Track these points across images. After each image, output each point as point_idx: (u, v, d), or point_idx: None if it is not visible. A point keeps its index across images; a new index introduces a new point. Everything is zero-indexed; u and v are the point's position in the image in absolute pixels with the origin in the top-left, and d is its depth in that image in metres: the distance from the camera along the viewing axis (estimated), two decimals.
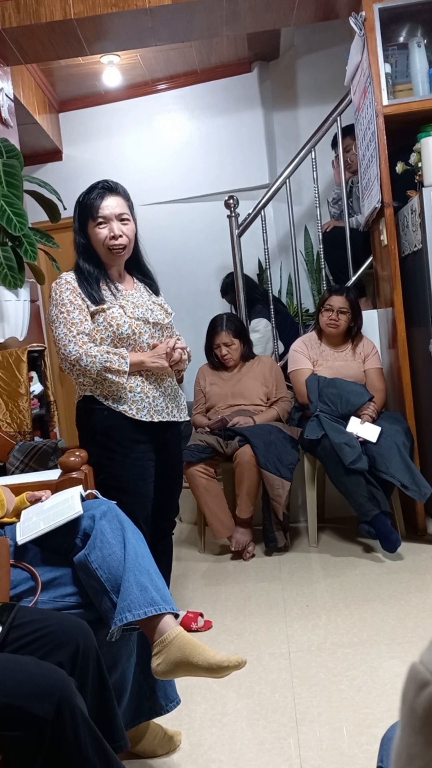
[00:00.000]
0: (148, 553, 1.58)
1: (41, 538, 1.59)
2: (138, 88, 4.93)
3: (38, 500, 1.79)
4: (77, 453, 2.16)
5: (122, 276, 2.27)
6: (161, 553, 2.35)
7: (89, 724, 1.24)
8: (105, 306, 2.13)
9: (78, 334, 2.09)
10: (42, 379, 3.13)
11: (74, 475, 2.08)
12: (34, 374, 3.03)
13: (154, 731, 1.73)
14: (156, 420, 2.17)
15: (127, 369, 2.10)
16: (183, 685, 1.80)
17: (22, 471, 2.51)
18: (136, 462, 2.15)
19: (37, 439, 2.91)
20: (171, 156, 4.91)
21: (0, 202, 2.69)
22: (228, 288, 4.11)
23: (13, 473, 2.50)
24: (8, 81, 3.54)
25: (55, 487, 2.01)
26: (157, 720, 1.73)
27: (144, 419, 2.15)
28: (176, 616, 1.52)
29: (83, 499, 1.71)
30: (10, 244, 2.79)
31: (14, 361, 2.85)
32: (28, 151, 4.13)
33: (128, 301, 2.19)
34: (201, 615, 2.44)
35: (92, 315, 2.13)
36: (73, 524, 1.59)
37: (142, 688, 1.66)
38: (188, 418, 2.36)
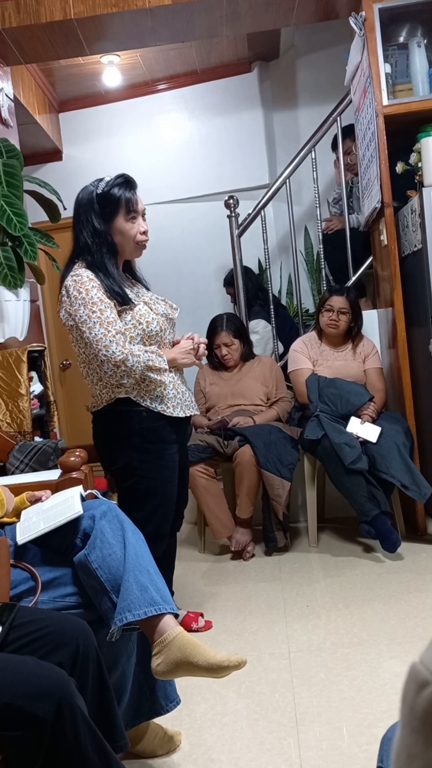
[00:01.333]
0: (148, 553, 1.58)
1: (41, 538, 1.59)
2: (138, 88, 4.93)
3: (38, 500, 1.79)
4: (77, 453, 2.16)
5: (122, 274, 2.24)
6: (166, 550, 2.35)
7: (89, 724, 1.24)
8: (132, 304, 2.07)
9: (117, 333, 1.99)
10: (42, 379, 3.14)
11: (74, 475, 2.09)
12: (34, 374, 3.04)
13: (154, 731, 1.73)
14: (188, 414, 2.16)
15: (166, 366, 2.07)
16: (183, 685, 1.80)
17: (22, 471, 2.51)
18: (169, 463, 2.13)
19: (37, 439, 2.91)
20: (171, 156, 4.91)
21: (0, 202, 2.69)
22: (232, 279, 4.11)
23: (13, 473, 2.50)
24: (8, 81, 3.54)
25: (55, 487, 2.01)
26: (157, 720, 1.73)
27: (180, 415, 2.13)
28: (176, 616, 1.52)
29: (83, 499, 1.71)
30: (10, 244, 2.79)
31: (14, 361, 2.85)
32: (28, 151, 4.13)
33: (146, 297, 2.16)
34: (201, 615, 2.44)
35: (119, 313, 2.05)
36: (73, 524, 1.59)
37: (142, 688, 1.66)
38: (198, 413, 2.36)
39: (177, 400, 2.13)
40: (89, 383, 2.13)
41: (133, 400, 2.08)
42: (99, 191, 2.09)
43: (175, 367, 2.14)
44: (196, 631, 2.37)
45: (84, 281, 2.03)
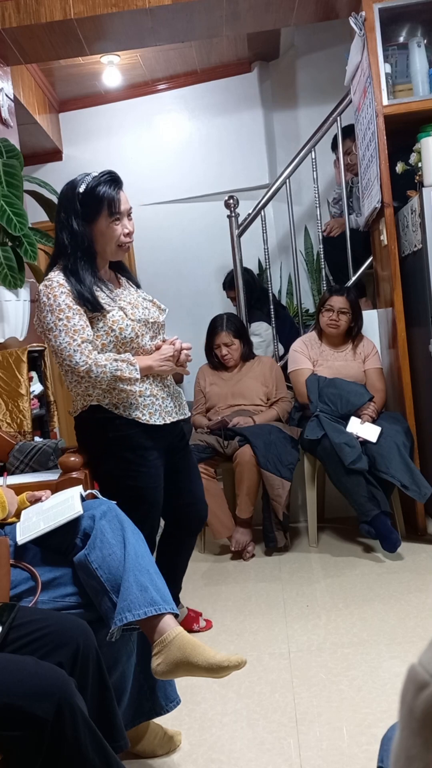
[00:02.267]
0: (148, 553, 1.58)
1: (41, 538, 1.59)
2: (138, 88, 4.93)
3: (38, 500, 1.79)
4: (77, 453, 2.16)
5: (108, 274, 2.14)
6: (185, 550, 2.34)
7: (89, 724, 1.24)
8: (104, 311, 1.98)
9: (83, 342, 1.92)
10: (42, 379, 3.13)
11: (74, 475, 2.08)
12: (34, 374, 3.03)
13: (154, 731, 1.73)
14: (168, 422, 2.08)
15: (138, 376, 1.98)
16: (183, 685, 1.80)
17: (22, 471, 2.51)
18: (150, 470, 2.07)
19: (37, 439, 2.91)
20: (171, 156, 4.91)
21: (0, 202, 2.69)
22: (232, 282, 4.10)
23: (13, 473, 2.50)
24: (8, 81, 3.54)
25: (55, 487, 2.01)
26: (157, 720, 1.73)
27: (158, 423, 2.05)
28: (176, 616, 1.52)
29: (83, 499, 1.71)
30: (10, 244, 2.79)
31: (14, 361, 2.85)
32: (28, 151, 4.13)
33: (125, 301, 2.06)
34: (200, 615, 2.44)
35: (91, 320, 1.98)
36: (73, 524, 1.59)
37: (142, 688, 1.66)
38: (189, 414, 2.30)
39: (155, 406, 2.05)
40: (68, 388, 2.07)
41: (104, 408, 2.01)
42: (81, 190, 2.00)
43: (151, 374, 2.05)
44: (198, 631, 2.36)
45: (54, 287, 1.96)
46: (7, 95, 3.47)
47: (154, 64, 4.64)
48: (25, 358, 2.85)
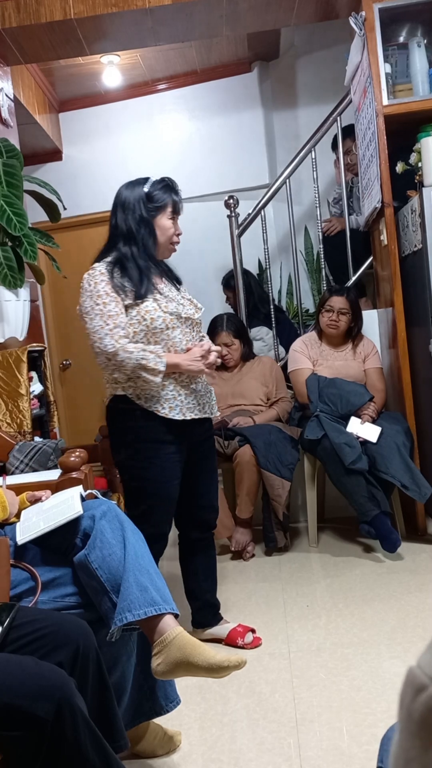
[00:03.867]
0: (148, 553, 1.58)
1: (41, 538, 1.59)
2: (138, 88, 4.93)
3: (38, 500, 1.79)
4: (77, 453, 2.16)
5: (155, 269, 2.25)
6: (200, 549, 2.34)
7: (89, 724, 1.24)
8: (140, 300, 2.09)
9: (114, 327, 2.03)
10: (42, 379, 3.13)
11: (74, 475, 2.08)
12: (34, 374, 3.04)
13: (154, 731, 1.73)
14: (188, 418, 2.14)
15: (163, 369, 2.04)
16: (183, 685, 1.80)
17: (22, 471, 2.51)
18: (164, 463, 2.12)
19: (37, 439, 2.91)
20: (171, 156, 4.91)
21: (0, 202, 2.69)
22: (231, 281, 4.11)
23: (13, 473, 2.50)
24: (8, 81, 3.54)
25: (55, 487, 2.01)
26: (157, 720, 1.73)
27: (176, 418, 2.11)
28: (176, 616, 1.52)
29: (83, 499, 1.71)
30: (10, 244, 2.79)
31: (14, 361, 2.85)
32: (28, 151, 4.13)
33: (162, 294, 2.15)
34: (252, 630, 2.32)
35: (126, 308, 2.09)
36: (73, 524, 1.59)
37: (142, 688, 1.66)
38: (218, 413, 2.34)
39: (176, 401, 2.11)
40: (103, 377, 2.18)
41: (128, 398, 2.10)
42: (146, 189, 2.18)
43: (178, 372, 2.12)
44: (242, 647, 2.26)
45: (96, 275, 2.10)
46: (7, 95, 3.47)
47: (154, 64, 4.63)
48: (25, 358, 2.85)
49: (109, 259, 2.15)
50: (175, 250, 2.25)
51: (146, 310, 2.08)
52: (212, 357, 2.17)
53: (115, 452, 2.19)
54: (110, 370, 2.07)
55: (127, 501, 2.20)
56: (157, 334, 2.10)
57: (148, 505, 2.12)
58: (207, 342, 2.23)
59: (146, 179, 2.21)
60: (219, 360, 2.24)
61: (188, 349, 2.17)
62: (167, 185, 2.20)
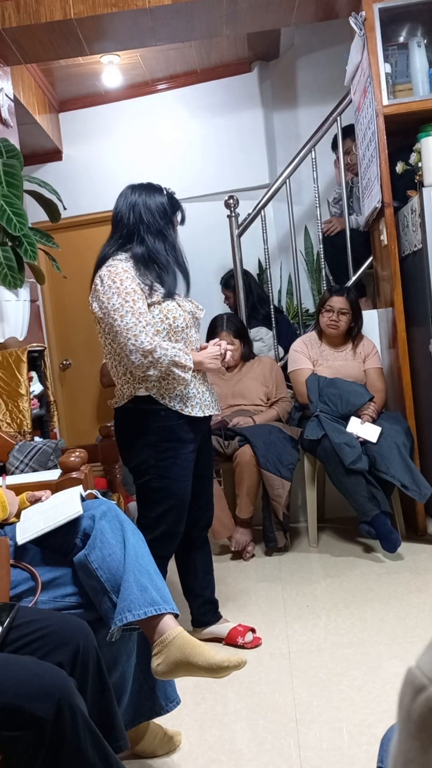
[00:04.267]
0: (148, 553, 1.58)
1: (41, 538, 1.59)
2: (138, 88, 4.93)
3: (38, 500, 1.79)
4: (77, 453, 2.16)
5: None
6: (201, 555, 2.35)
7: (89, 724, 1.24)
8: (160, 298, 2.09)
9: (147, 324, 2.03)
10: (42, 379, 3.13)
11: (74, 475, 2.08)
12: (34, 374, 3.04)
13: (154, 731, 1.73)
14: (207, 414, 2.17)
15: (192, 365, 2.08)
16: (183, 685, 1.80)
17: (22, 471, 2.51)
18: (184, 463, 2.13)
19: (37, 439, 2.91)
20: (171, 156, 4.91)
21: (0, 202, 2.69)
22: (230, 281, 4.11)
23: (13, 473, 2.50)
24: (8, 81, 3.54)
25: (55, 487, 2.01)
26: (157, 720, 1.73)
27: (198, 415, 2.14)
28: (176, 616, 1.52)
29: (83, 499, 1.71)
30: (10, 244, 2.79)
31: (14, 361, 2.85)
32: (28, 151, 4.13)
33: (176, 294, 2.18)
34: (252, 630, 2.33)
35: (148, 306, 2.09)
36: (73, 524, 1.59)
37: (142, 688, 1.66)
38: (220, 410, 2.37)
39: (197, 399, 2.14)
40: (114, 376, 2.16)
41: (152, 398, 2.09)
42: (167, 192, 2.24)
43: (201, 370, 2.17)
44: (242, 646, 2.27)
45: (119, 271, 2.07)
46: (7, 95, 3.47)
47: (154, 64, 4.63)
48: (25, 358, 2.85)
49: (127, 254, 2.15)
50: None
51: (168, 309, 2.10)
52: (228, 356, 2.23)
53: (134, 454, 2.15)
54: (144, 368, 2.04)
55: (145, 502, 2.17)
56: (178, 333, 2.12)
57: (169, 505, 2.13)
58: (223, 342, 2.27)
59: (158, 185, 2.26)
60: (232, 361, 2.31)
61: (202, 348, 2.22)
62: (173, 196, 2.26)
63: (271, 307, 3.95)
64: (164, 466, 2.11)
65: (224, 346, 2.24)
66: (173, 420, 2.10)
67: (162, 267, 2.14)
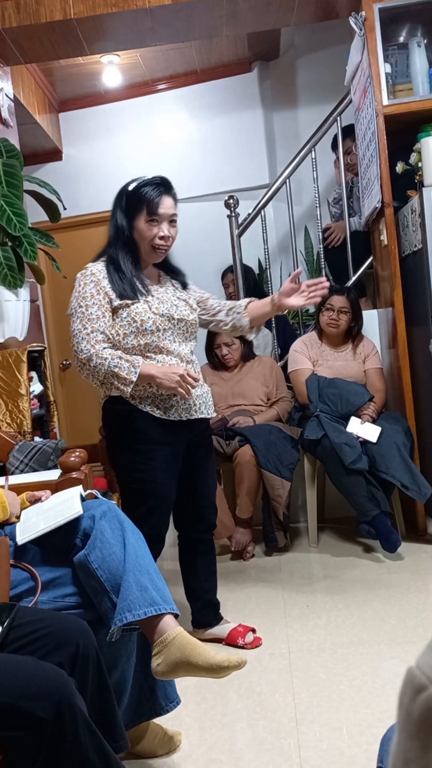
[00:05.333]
0: (148, 553, 1.58)
1: (41, 538, 1.59)
2: (138, 88, 4.93)
3: (38, 500, 1.79)
4: (77, 453, 2.16)
5: (150, 271, 2.22)
6: (201, 552, 2.34)
7: (89, 724, 1.24)
8: (130, 301, 2.07)
9: (92, 331, 2.02)
10: (42, 379, 3.14)
11: (74, 475, 2.08)
12: (34, 374, 3.04)
13: (154, 731, 1.73)
14: (185, 418, 2.13)
15: (134, 379, 2.01)
16: (183, 685, 1.80)
17: (22, 471, 2.51)
18: (161, 465, 2.10)
19: (37, 439, 2.91)
20: (171, 156, 4.91)
21: (0, 202, 2.69)
22: (228, 272, 4.11)
23: (13, 473, 2.50)
24: (8, 81, 3.54)
25: (55, 487, 2.01)
26: (157, 720, 1.73)
27: (172, 418, 2.10)
28: (176, 616, 1.52)
29: (83, 499, 1.71)
30: (10, 244, 2.79)
31: (14, 361, 2.85)
32: (28, 151, 4.13)
33: (154, 296, 2.12)
34: (253, 630, 2.32)
35: (116, 309, 2.07)
36: (73, 524, 1.59)
37: (142, 688, 1.66)
38: (215, 414, 2.31)
39: (172, 402, 2.10)
40: None
41: (123, 399, 2.08)
42: (130, 188, 2.13)
43: (152, 383, 2.05)
44: (242, 647, 2.26)
45: (86, 274, 2.09)
46: (7, 95, 3.48)
47: (154, 64, 4.63)
48: (25, 358, 2.85)
49: (104, 258, 2.14)
50: (161, 254, 2.15)
51: (136, 312, 2.07)
52: (192, 391, 2.06)
53: (113, 454, 2.18)
54: (84, 374, 2.06)
55: (125, 503, 2.19)
56: (147, 336, 2.08)
57: (147, 507, 2.11)
58: (192, 368, 2.16)
59: (136, 179, 2.15)
60: (191, 389, 2.09)
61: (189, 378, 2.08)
62: (152, 183, 2.12)
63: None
64: (140, 468, 2.10)
65: (188, 379, 2.03)
66: (146, 421, 2.08)
67: (120, 270, 2.09)
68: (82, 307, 2.05)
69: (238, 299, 3.89)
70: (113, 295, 2.06)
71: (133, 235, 2.12)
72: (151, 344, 2.09)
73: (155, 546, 2.14)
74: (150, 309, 2.09)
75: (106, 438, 2.20)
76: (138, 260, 2.15)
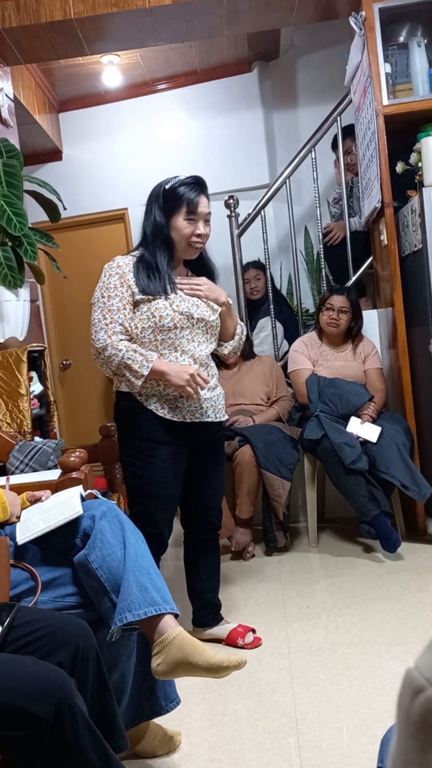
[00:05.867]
0: (148, 553, 1.58)
1: (41, 538, 1.59)
2: (138, 88, 4.93)
3: (38, 500, 1.79)
4: (77, 453, 2.16)
5: (181, 270, 2.25)
6: (205, 552, 2.34)
7: (89, 724, 1.24)
8: (152, 296, 2.08)
9: (111, 322, 2.05)
10: (42, 379, 3.14)
11: (74, 475, 2.09)
12: (34, 374, 3.04)
13: (154, 731, 1.73)
14: (188, 420, 2.12)
15: (145, 373, 2.02)
16: (183, 685, 1.80)
17: (22, 471, 2.52)
18: (161, 464, 2.10)
19: (37, 439, 2.91)
20: (171, 156, 4.91)
21: (0, 202, 2.69)
22: (253, 265, 4.14)
23: (13, 473, 2.50)
24: (8, 81, 3.54)
25: (55, 487, 2.01)
26: (157, 720, 1.73)
27: (175, 419, 2.10)
28: (176, 616, 1.52)
29: (83, 499, 1.71)
30: (10, 244, 2.79)
31: (14, 361, 2.85)
32: (28, 151, 4.13)
33: (177, 294, 2.13)
34: (253, 630, 2.32)
35: (137, 303, 2.08)
36: (73, 524, 1.59)
37: (142, 688, 1.66)
38: (226, 418, 2.29)
39: (177, 403, 2.10)
40: None
41: (131, 395, 2.10)
42: (167, 186, 2.17)
43: (161, 380, 2.07)
44: (242, 647, 2.26)
45: (112, 266, 2.12)
46: (7, 95, 3.48)
47: (154, 64, 4.63)
48: (25, 358, 2.85)
49: (135, 253, 2.17)
50: (197, 250, 2.19)
51: (156, 307, 2.08)
52: (198, 385, 2.07)
53: (120, 448, 2.21)
54: (99, 363, 2.09)
55: (129, 500, 2.22)
56: (164, 332, 2.09)
57: (146, 505, 2.12)
58: (206, 373, 2.17)
59: (173, 177, 2.19)
60: (200, 390, 2.11)
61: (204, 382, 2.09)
62: (188, 183, 2.17)
63: (271, 308, 3.95)
64: (139, 465, 2.11)
65: (198, 379, 2.06)
66: (148, 420, 2.09)
67: (147, 267, 2.11)
68: (104, 297, 2.08)
69: (239, 299, 3.94)
70: (136, 289, 2.08)
71: (170, 232, 2.14)
72: (167, 341, 2.10)
73: (155, 545, 2.14)
74: (170, 306, 2.10)
75: (117, 431, 2.23)
76: (172, 258, 2.17)
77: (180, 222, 2.14)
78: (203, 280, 2.22)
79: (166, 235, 2.14)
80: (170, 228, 2.14)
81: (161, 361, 2.07)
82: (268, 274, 3.99)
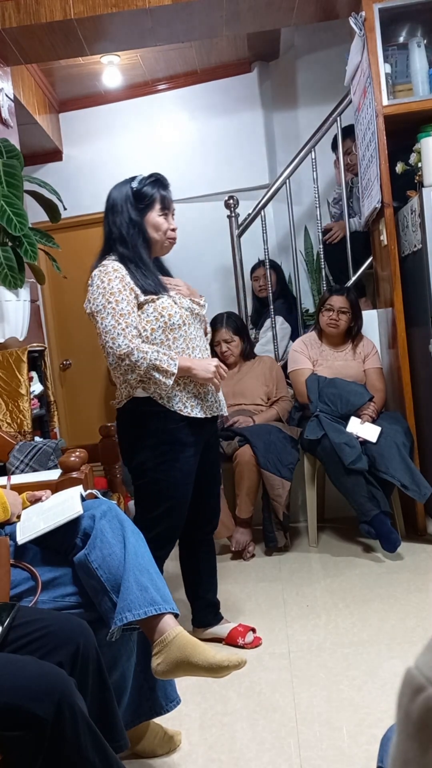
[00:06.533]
0: (148, 553, 1.58)
1: (41, 538, 1.59)
2: (138, 88, 4.93)
3: (38, 500, 1.79)
4: (77, 453, 2.16)
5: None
6: (203, 552, 2.34)
7: (89, 724, 1.24)
8: (155, 296, 2.06)
9: (126, 326, 1.99)
10: (42, 379, 3.14)
11: (74, 475, 2.09)
12: (34, 374, 3.04)
13: (154, 731, 1.73)
14: (209, 415, 2.13)
15: (175, 371, 2.00)
16: (183, 685, 1.80)
17: (22, 471, 2.52)
18: (184, 466, 2.09)
19: (37, 439, 2.91)
20: (171, 156, 4.91)
21: (0, 202, 2.69)
22: (259, 265, 4.15)
23: (13, 473, 2.50)
24: (8, 81, 3.54)
25: (55, 487, 2.01)
26: (157, 720, 1.73)
27: (199, 416, 2.09)
28: (176, 615, 1.52)
29: (83, 499, 1.71)
30: (10, 244, 2.79)
31: (14, 361, 2.85)
32: (28, 151, 4.13)
33: (173, 291, 2.13)
34: (253, 630, 2.33)
35: (141, 305, 2.05)
36: (73, 524, 1.59)
37: (142, 688, 1.66)
38: (225, 412, 2.31)
39: (197, 400, 2.11)
40: (113, 377, 2.12)
41: (152, 400, 2.05)
42: (134, 186, 2.14)
43: (188, 376, 2.08)
44: (242, 647, 2.27)
45: (108, 271, 2.04)
46: (7, 95, 3.48)
47: (154, 64, 4.63)
48: (25, 358, 2.85)
49: (116, 255, 2.12)
50: (171, 245, 2.20)
51: (163, 306, 2.06)
52: (221, 377, 2.13)
53: (132, 455, 2.13)
54: (122, 371, 2.01)
55: (142, 503, 2.15)
56: (174, 330, 2.07)
57: (166, 508, 2.10)
58: (223, 368, 2.19)
59: (134, 177, 2.17)
60: (223, 377, 2.17)
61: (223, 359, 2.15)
62: (155, 181, 2.16)
63: (271, 307, 3.95)
64: (163, 469, 2.08)
65: (221, 371, 2.12)
66: (173, 422, 2.07)
67: (139, 267, 2.10)
68: (111, 303, 2.00)
69: (239, 299, 3.94)
70: (138, 291, 2.06)
71: (147, 230, 2.13)
72: (179, 339, 2.09)
73: (169, 545, 2.16)
74: (175, 303, 2.09)
75: (124, 438, 2.16)
76: (150, 255, 2.16)
77: (156, 218, 2.14)
78: (178, 279, 2.23)
79: (144, 233, 2.13)
80: (146, 225, 2.14)
81: (184, 357, 2.07)
82: (269, 274, 3.98)
